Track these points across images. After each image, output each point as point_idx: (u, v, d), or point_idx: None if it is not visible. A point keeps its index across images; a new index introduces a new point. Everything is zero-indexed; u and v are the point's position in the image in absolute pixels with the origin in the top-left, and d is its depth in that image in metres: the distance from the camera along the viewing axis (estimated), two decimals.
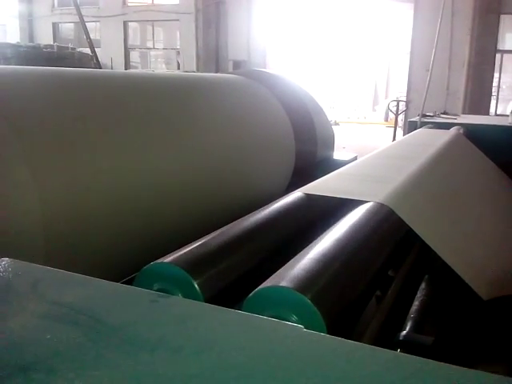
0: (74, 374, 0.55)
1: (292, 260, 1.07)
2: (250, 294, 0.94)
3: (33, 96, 1.47)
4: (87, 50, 12.98)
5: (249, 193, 2.29)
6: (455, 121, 4.62)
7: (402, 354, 0.64)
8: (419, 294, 1.79)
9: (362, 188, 1.71)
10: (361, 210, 1.46)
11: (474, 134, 3.92)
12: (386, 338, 1.40)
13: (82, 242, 1.43)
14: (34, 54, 13.46)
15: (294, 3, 19.09)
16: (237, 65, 17.03)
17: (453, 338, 1.63)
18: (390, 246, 1.48)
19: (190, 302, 0.79)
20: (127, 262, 1.57)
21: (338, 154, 3.25)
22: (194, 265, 1.05)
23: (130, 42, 20.52)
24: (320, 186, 1.75)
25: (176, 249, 1.12)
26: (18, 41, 17.30)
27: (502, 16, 14.03)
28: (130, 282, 1.05)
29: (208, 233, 1.26)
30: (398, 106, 13.93)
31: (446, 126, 4.18)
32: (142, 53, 21.02)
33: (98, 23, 19.75)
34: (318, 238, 1.22)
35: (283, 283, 0.92)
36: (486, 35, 13.86)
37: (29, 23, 21.38)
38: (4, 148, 1.27)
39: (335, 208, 1.63)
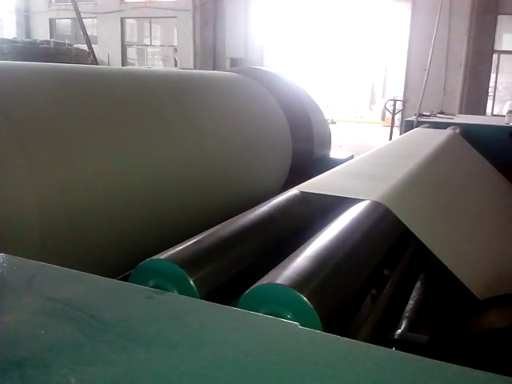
0: (69, 370, 0.55)
1: (288, 258, 1.07)
2: (246, 292, 0.94)
3: (29, 92, 1.46)
4: (84, 47, 12.97)
5: (245, 190, 2.29)
6: (452, 121, 4.63)
7: (397, 351, 0.64)
8: (414, 293, 1.80)
9: (359, 186, 1.71)
10: (357, 208, 1.47)
11: (470, 134, 3.94)
12: (380, 337, 1.40)
13: (78, 238, 1.43)
14: (30, 50, 13.43)
15: (292, 1, 19.07)
16: (234, 62, 17.01)
17: (447, 338, 1.64)
18: (386, 244, 1.49)
19: (186, 299, 0.79)
20: (123, 259, 1.56)
21: (334, 153, 3.25)
22: (190, 262, 1.05)
23: (127, 38, 20.47)
24: (316, 184, 1.75)
25: (172, 246, 1.12)
26: (15, 36, 17.25)
27: (500, 16, 14.06)
28: (126, 279, 1.05)
29: (204, 230, 1.26)
30: (394, 105, 13.96)
31: (443, 126, 4.20)
32: (139, 49, 20.99)
33: (95, 19, 19.70)
34: (314, 236, 1.22)
35: (279, 281, 0.92)
36: (484, 35, 13.89)
37: (25, 19, 21.31)
38: (0, 144, 1.26)
39: (331, 206, 1.63)
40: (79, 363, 0.56)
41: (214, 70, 15.18)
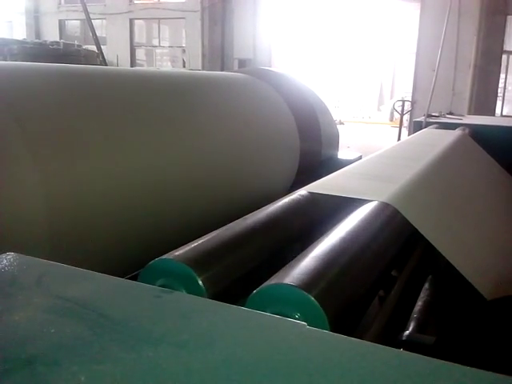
0: (78, 368, 0.56)
1: (296, 258, 1.07)
2: (254, 291, 0.94)
3: (38, 93, 1.47)
4: (93, 48, 13.02)
5: (253, 191, 2.29)
6: (460, 121, 4.60)
7: (405, 352, 0.64)
8: (422, 294, 1.79)
9: (367, 187, 1.71)
10: (365, 209, 1.46)
11: (479, 135, 3.91)
12: (388, 338, 1.40)
13: (87, 238, 1.44)
14: (40, 51, 13.48)
15: (300, 2, 19.06)
16: (242, 63, 17.02)
17: (456, 338, 1.63)
18: (394, 245, 1.48)
19: (194, 298, 0.79)
20: (132, 258, 1.57)
21: (342, 154, 3.25)
22: (198, 261, 1.05)
23: (136, 39, 20.54)
24: (324, 185, 1.75)
25: (180, 245, 1.13)
26: (24, 37, 17.33)
27: (509, 17, 13.97)
28: (134, 279, 1.05)
29: (212, 230, 1.27)
30: (403, 105, 13.89)
31: (452, 127, 4.17)
32: (148, 50, 21.05)
33: (104, 21, 19.78)
34: (322, 237, 1.22)
35: (287, 281, 0.92)
36: (493, 36, 13.81)
37: (35, 20, 21.43)
38: (10, 145, 1.27)
39: (339, 207, 1.63)
40: (88, 361, 0.57)
41: (222, 70, 15.20)
